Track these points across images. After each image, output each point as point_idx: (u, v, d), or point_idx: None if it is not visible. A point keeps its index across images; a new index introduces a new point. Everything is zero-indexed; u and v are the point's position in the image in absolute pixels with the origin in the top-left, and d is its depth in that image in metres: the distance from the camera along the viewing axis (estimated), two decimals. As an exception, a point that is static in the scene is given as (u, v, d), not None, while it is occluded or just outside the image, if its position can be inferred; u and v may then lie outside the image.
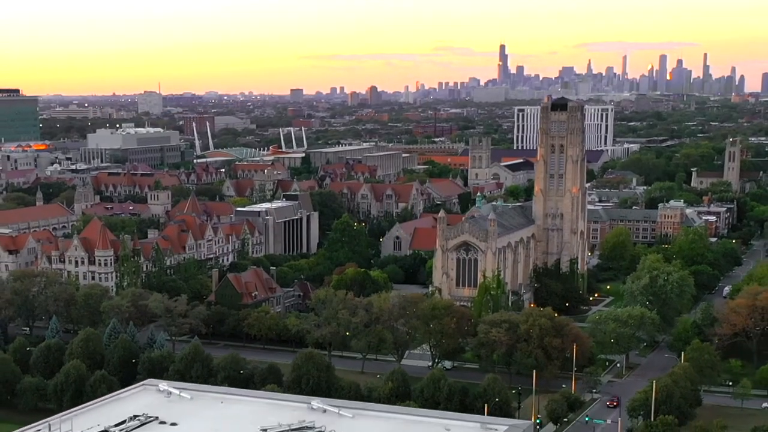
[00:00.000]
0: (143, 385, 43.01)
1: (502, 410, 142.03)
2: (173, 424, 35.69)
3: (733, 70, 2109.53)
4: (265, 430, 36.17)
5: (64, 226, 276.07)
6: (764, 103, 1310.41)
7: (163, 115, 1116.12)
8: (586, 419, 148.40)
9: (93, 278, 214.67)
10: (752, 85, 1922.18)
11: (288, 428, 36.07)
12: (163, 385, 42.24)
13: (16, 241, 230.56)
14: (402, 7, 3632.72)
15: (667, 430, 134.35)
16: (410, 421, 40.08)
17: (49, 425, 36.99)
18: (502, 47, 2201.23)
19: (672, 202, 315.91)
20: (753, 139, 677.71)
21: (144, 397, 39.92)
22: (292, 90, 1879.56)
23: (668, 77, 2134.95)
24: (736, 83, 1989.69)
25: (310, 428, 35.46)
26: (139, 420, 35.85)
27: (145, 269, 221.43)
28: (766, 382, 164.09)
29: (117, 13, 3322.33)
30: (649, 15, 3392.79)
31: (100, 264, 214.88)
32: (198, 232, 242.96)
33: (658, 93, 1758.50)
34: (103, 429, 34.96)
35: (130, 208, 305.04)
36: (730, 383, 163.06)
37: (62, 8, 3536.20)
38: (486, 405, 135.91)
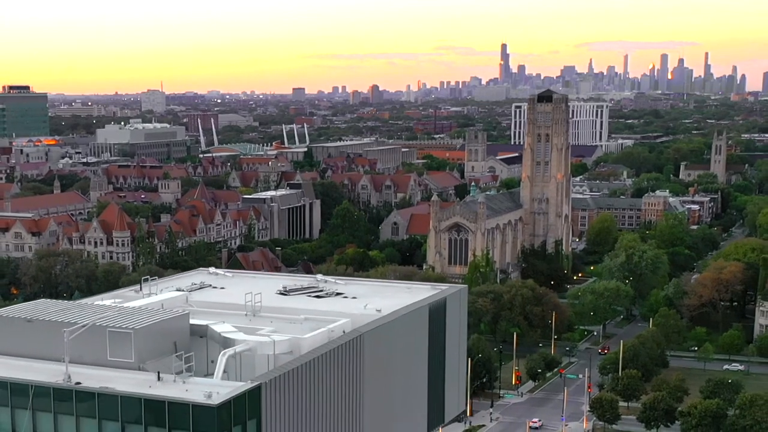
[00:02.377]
0: (198, 270, 59.92)
1: (485, 366, 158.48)
2: (222, 288, 51.95)
3: (735, 69, 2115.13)
4: (286, 287, 51.67)
5: (80, 213, 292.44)
6: (762, 101, 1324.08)
7: (167, 113, 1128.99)
8: (560, 375, 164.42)
9: (111, 258, 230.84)
10: (753, 85, 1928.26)
11: (302, 288, 51.60)
12: (212, 269, 58.90)
13: (38, 224, 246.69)
14: (404, 6, 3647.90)
15: (632, 382, 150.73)
16: (384, 285, 56.12)
17: (134, 291, 52.61)
18: (504, 46, 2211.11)
19: (658, 192, 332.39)
20: (746, 135, 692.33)
21: (199, 276, 56.13)
22: (294, 89, 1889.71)
23: (669, 76, 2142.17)
24: (738, 82, 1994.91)
25: (318, 289, 51.19)
26: (198, 285, 52.13)
27: (158, 250, 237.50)
28: (727, 347, 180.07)
29: (118, 13, 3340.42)
30: (651, 14, 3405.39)
31: (117, 244, 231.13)
32: (208, 217, 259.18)
33: (659, 92, 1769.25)
34: (176, 288, 50.82)
35: (142, 196, 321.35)
36: (696, 348, 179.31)
37: (64, 8, 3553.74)
38: (470, 359, 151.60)
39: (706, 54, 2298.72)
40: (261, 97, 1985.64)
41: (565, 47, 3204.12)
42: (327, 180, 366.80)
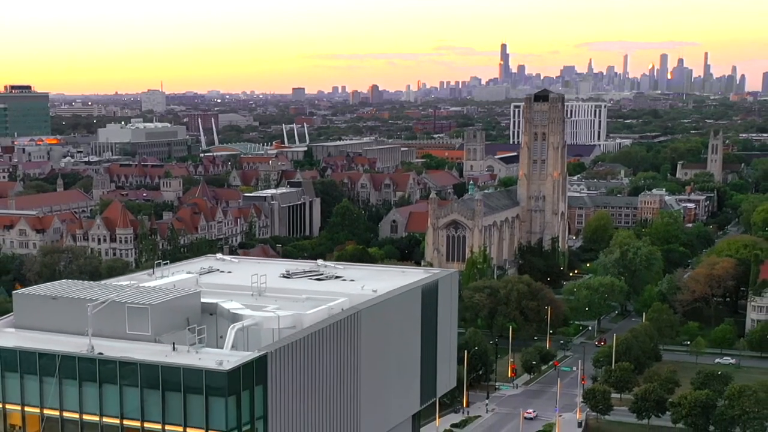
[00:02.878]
0: (206, 256, 63.60)
1: (481, 359, 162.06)
2: (229, 272, 55.58)
3: (734, 69, 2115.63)
4: (288, 271, 55.21)
5: (83, 210, 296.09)
6: (761, 101, 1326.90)
7: (167, 113, 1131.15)
8: (555, 368, 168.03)
9: (114, 254, 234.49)
10: (753, 85, 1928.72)
11: (303, 271, 55.17)
12: (219, 255, 62.55)
13: (42, 222, 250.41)
14: (403, 6, 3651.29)
15: (624, 374, 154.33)
16: (380, 270, 59.75)
17: (148, 274, 56.11)
18: (504, 46, 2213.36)
19: (654, 191, 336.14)
20: (744, 135, 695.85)
21: (207, 262, 59.78)
22: (293, 89, 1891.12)
23: (669, 76, 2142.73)
24: (737, 82, 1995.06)
25: (319, 272, 54.80)
26: (207, 269, 55.76)
27: (161, 247, 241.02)
28: (719, 341, 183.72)
29: (118, 13, 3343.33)
30: (650, 15, 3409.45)
31: (120, 241, 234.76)
32: (209, 214, 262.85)
33: (659, 92, 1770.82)
34: (186, 272, 54.47)
35: (144, 194, 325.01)
36: (688, 342, 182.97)
37: (64, 9, 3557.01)
38: (466, 352, 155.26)
39: (706, 54, 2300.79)
40: (261, 97, 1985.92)
41: (565, 47, 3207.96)
42: (327, 179, 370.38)
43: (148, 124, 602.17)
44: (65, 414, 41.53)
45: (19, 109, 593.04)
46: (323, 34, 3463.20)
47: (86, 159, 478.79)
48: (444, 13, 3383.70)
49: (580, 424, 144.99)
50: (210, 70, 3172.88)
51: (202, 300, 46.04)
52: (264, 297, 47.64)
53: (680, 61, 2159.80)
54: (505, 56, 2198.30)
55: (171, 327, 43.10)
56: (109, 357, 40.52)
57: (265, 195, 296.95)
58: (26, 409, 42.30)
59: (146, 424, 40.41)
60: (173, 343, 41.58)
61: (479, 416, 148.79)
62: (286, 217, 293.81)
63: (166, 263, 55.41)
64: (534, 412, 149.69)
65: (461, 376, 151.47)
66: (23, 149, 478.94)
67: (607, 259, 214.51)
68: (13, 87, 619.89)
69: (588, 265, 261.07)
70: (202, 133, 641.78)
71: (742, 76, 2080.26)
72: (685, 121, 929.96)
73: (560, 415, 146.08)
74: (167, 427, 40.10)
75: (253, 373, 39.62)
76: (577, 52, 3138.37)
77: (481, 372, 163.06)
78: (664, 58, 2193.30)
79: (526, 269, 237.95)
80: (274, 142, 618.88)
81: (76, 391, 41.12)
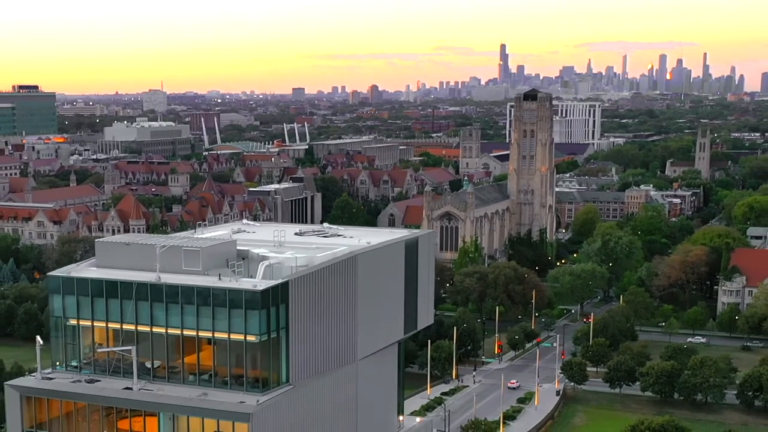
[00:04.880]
0: (233, 222, 78.14)
1: (470, 336, 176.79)
2: (253, 232, 69.80)
3: (733, 69, 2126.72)
4: (301, 230, 69.41)
5: (95, 204, 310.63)
6: (757, 101, 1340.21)
7: (168, 112, 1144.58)
8: (538, 344, 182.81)
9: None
10: (752, 85, 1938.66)
11: (312, 231, 69.45)
12: (245, 221, 76.91)
13: (59, 214, 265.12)
14: (403, 7, 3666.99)
15: (600, 349, 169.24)
16: (374, 231, 73.95)
17: (190, 233, 70.15)
18: (503, 47, 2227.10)
19: (642, 187, 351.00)
20: (736, 134, 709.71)
21: (236, 225, 73.80)
22: (293, 89, 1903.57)
23: (668, 77, 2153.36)
24: (736, 83, 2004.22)
25: (325, 232, 69.20)
26: (237, 229, 70.00)
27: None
28: (692, 322, 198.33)
29: (118, 13, 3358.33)
30: (650, 15, 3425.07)
31: (133, 231, 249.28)
32: (216, 207, 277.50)
33: (657, 92, 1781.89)
34: (221, 232, 68.64)
35: (153, 189, 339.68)
36: (663, 324, 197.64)
37: (64, 9, 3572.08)
38: (456, 329, 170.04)
39: (705, 54, 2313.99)
40: (261, 97, 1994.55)
41: (565, 47, 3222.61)
42: (327, 175, 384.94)
43: (153, 123, 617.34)
44: (139, 327, 55.90)
45: (26, 108, 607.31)
46: (323, 34, 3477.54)
47: (94, 157, 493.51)
48: (443, 13, 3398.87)
49: (558, 393, 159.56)
50: (210, 70, 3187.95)
51: (237, 247, 60.56)
52: (283, 247, 61.80)
53: (679, 61, 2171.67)
54: (504, 56, 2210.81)
55: (215, 265, 57.36)
56: (172, 283, 55.05)
57: (268, 190, 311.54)
58: (109, 324, 56.77)
59: (200, 333, 54.85)
60: (219, 275, 55.94)
61: (467, 386, 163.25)
62: (288, 210, 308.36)
63: (205, 224, 69.40)
64: (517, 382, 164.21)
65: (451, 351, 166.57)
66: (33, 147, 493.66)
67: (590, 248, 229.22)
68: (20, 87, 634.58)
69: (575, 255, 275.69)
70: (204, 132, 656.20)
71: (741, 76, 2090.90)
72: (680, 120, 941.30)
73: (541, 385, 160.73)
74: (216, 334, 54.51)
75: (279, 294, 53.90)
76: (576, 52, 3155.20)
77: (469, 348, 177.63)
78: (663, 58, 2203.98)
79: (515, 259, 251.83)
80: (275, 141, 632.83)
81: (147, 310, 55.32)
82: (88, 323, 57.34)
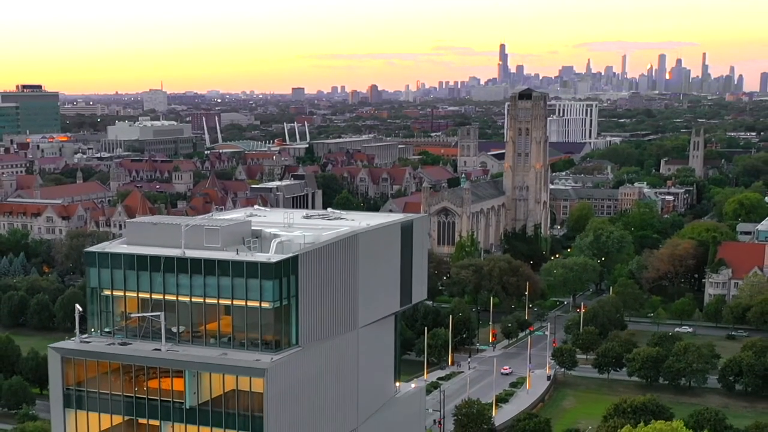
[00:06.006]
0: (245, 208, 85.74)
1: (465, 325, 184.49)
2: (264, 216, 77.35)
3: (732, 69, 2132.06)
4: (308, 214, 76.96)
5: (101, 201, 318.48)
6: (756, 101, 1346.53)
7: (169, 112, 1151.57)
8: (530, 332, 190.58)
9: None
10: (751, 85, 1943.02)
11: (318, 215, 76.99)
12: (256, 206, 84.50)
13: (67, 210, 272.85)
14: (402, 7, 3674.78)
15: (589, 337, 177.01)
16: (373, 215, 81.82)
17: (200, 218, 77.82)
18: (502, 47, 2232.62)
19: (635, 184, 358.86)
20: (732, 133, 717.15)
21: (248, 210, 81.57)
22: (293, 89, 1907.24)
23: (667, 76, 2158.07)
24: (735, 83, 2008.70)
25: (329, 216, 76.73)
26: (250, 213, 77.63)
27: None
28: (679, 313, 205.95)
29: (118, 13, 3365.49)
30: (649, 15, 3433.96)
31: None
32: (220, 203, 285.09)
33: (656, 92, 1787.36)
34: (236, 215, 76.17)
35: (157, 187, 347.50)
36: (652, 315, 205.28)
37: (64, 9, 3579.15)
38: (451, 317, 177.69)
39: (704, 54, 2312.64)
40: (260, 96, 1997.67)
41: (564, 47, 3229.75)
42: (328, 173, 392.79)
43: (155, 122, 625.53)
44: (166, 296, 63.43)
45: (30, 107, 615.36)
46: (323, 34, 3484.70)
47: (98, 155, 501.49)
48: (443, 13, 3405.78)
49: (549, 378, 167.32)
50: (210, 70, 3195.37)
51: (251, 227, 68.15)
52: (292, 227, 69.39)
53: (678, 61, 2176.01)
54: (503, 56, 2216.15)
55: (233, 242, 64.75)
56: (196, 257, 62.65)
57: (270, 186, 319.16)
58: (140, 294, 64.35)
59: (221, 300, 62.46)
60: (236, 250, 63.44)
61: (462, 372, 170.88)
62: (290, 207, 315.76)
63: (222, 208, 76.64)
64: (509, 368, 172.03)
65: (447, 339, 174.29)
66: (38, 146, 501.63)
67: (583, 242, 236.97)
68: (24, 86, 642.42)
69: (569, 250, 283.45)
70: (206, 131, 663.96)
71: (740, 76, 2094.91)
72: (678, 120, 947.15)
73: (532, 371, 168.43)
74: (234, 302, 62.03)
75: (289, 266, 61.32)
76: (575, 52, 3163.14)
77: (465, 336, 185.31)
78: (662, 58, 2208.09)
79: (510, 253, 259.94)
80: (275, 140, 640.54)
81: (173, 281, 62.71)
82: (121, 293, 64.90)
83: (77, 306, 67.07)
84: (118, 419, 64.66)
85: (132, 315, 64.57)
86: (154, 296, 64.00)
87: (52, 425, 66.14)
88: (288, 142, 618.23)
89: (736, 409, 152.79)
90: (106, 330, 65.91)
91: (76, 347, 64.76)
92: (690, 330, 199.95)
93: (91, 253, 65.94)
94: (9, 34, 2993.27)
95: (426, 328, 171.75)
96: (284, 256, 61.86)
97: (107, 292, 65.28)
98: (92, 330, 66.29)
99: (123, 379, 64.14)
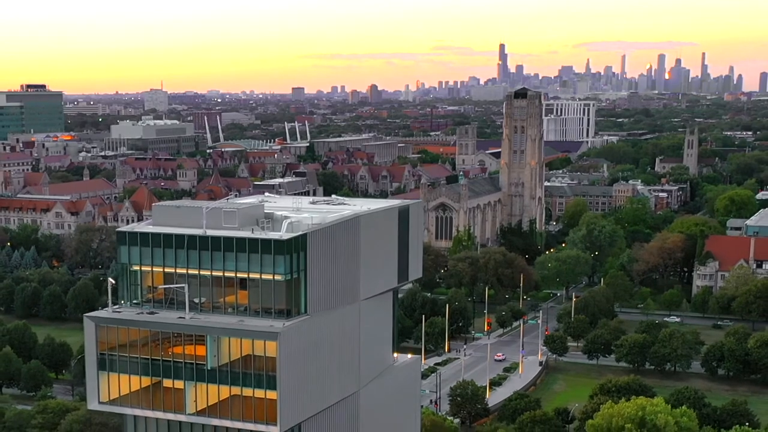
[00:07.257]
0: (256, 195, 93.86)
1: (461, 314, 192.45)
2: (274, 202, 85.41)
3: (731, 69, 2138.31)
4: (314, 200, 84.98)
5: (108, 197, 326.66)
6: (754, 101, 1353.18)
7: (169, 112, 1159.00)
8: (524, 321, 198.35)
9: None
10: (750, 85, 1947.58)
11: (323, 201, 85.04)
12: (267, 194, 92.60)
13: (76, 205, 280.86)
14: (402, 7, 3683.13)
15: (579, 325, 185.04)
16: (374, 200, 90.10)
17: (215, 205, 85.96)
18: (502, 47, 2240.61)
19: (630, 181, 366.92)
20: (729, 132, 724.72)
21: (258, 197, 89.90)
22: (293, 89, 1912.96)
23: (667, 76, 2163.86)
24: (734, 83, 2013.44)
25: (333, 202, 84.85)
26: (261, 199, 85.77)
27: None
28: (668, 304, 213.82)
29: (118, 13, 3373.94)
30: (648, 15, 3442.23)
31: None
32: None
33: (655, 92, 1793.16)
34: (250, 200, 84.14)
35: (162, 184, 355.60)
36: (641, 305, 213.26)
37: (64, 9, 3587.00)
38: (448, 306, 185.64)
39: (703, 54, 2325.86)
40: (260, 96, 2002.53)
41: (564, 47, 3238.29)
42: (328, 171, 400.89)
43: (158, 122, 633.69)
44: (189, 271, 71.51)
45: (34, 107, 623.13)
46: (323, 34, 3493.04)
47: (102, 153, 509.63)
48: (442, 13, 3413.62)
49: (540, 364, 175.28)
50: (209, 70, 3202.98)
51: (264, 210, 76.24)
52: (301, 211, 77.45)
53: (678, 61, 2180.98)
54: (503, 56, 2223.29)
55: (248, 222, 72.66)
56: (216, 235, 70.68)
57: (273, 183, 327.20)
58: (166, 269, 72.39)
59: (238, 274, 70.48)
60: (252, 229, 71.38)
61: (457, 358, 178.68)
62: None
63: (236, 195, 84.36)
64: (503, 355, 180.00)
65: (444, 327, 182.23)
66: (43, 144, 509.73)
67: (576, 236, 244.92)
68: (29, 86, 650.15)
69: (563, 245, 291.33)
70: (207, 130, 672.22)
71: (739, 76, 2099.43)
72: (675, 119, 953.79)
73: (525, 357, 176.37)
74: (250, 275, 70.03)
75: (299, 243, 69.26)
76: (575, 52, 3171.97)
77: (461, 324, 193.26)
78: (661, 58, 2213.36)
79: (506, 247, 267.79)
80: (276, 139, 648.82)
81: (196, 257, 70.74)
82: (148, 268, 72.87)
83: (110, 279, 75.06)
84: (146, 380, 72.60)
85: (159, 287, 72.57)
86: (179, 270, 71.87)
87: (87, 386, 73.96)
88: (289, 141, 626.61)
89: (718, 392, 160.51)
90: (135, 301, 73.76)
91: (109, 316, 72.65)
92: (678, 320, 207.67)
93: (122, 232, 73.87)
94: (8, 34, 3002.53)
95: (424, 316, 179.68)
96: (294, 234, 69.78)
97: (136, 267, 73.13)
98: (122, 301, 74.23)
99: (151, 344, 72.08)
